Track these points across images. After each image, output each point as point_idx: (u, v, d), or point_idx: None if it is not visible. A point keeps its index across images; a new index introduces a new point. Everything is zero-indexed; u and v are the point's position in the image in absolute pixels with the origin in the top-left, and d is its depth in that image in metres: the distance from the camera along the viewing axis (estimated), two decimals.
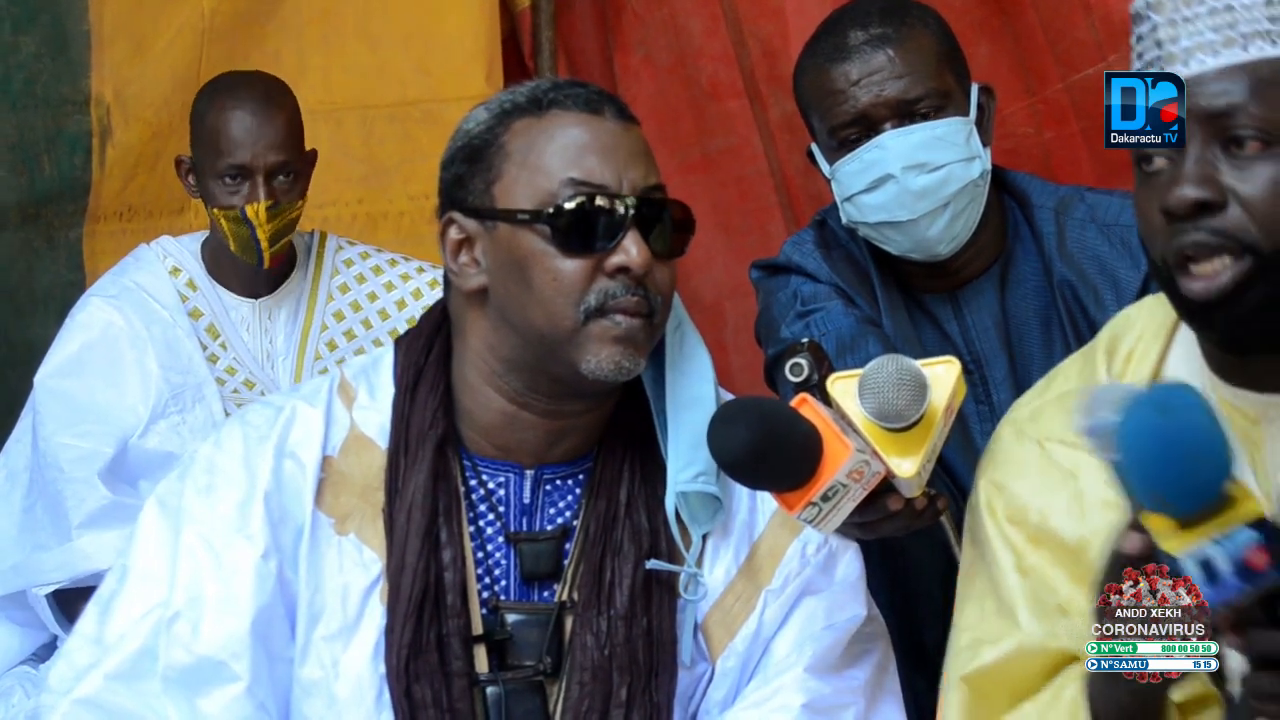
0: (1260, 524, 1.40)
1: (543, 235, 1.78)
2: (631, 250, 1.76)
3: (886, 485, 1.71)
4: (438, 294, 1.99)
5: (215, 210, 2.87)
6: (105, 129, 3.38)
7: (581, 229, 1.77)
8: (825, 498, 1.65)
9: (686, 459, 1.82)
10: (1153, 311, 1.73)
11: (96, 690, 1.79)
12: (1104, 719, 1.57)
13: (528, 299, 1.79)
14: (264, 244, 2.86)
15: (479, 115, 1.87)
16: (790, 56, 3.26)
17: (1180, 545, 1.42)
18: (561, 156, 1.79)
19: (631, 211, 1.77)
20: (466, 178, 1.84)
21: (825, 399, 1.71)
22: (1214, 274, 1.52)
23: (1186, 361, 1.67)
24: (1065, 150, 3.16)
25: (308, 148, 2.98)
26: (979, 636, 1.72)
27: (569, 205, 1.77)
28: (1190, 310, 1.56)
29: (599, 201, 1.77)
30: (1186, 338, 1.68)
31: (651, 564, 1.82)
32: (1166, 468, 1.38)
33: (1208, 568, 1.42)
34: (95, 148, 3.39)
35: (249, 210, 2.83)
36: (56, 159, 3.38)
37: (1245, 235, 1.51)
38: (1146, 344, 1.70)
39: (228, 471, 1.85)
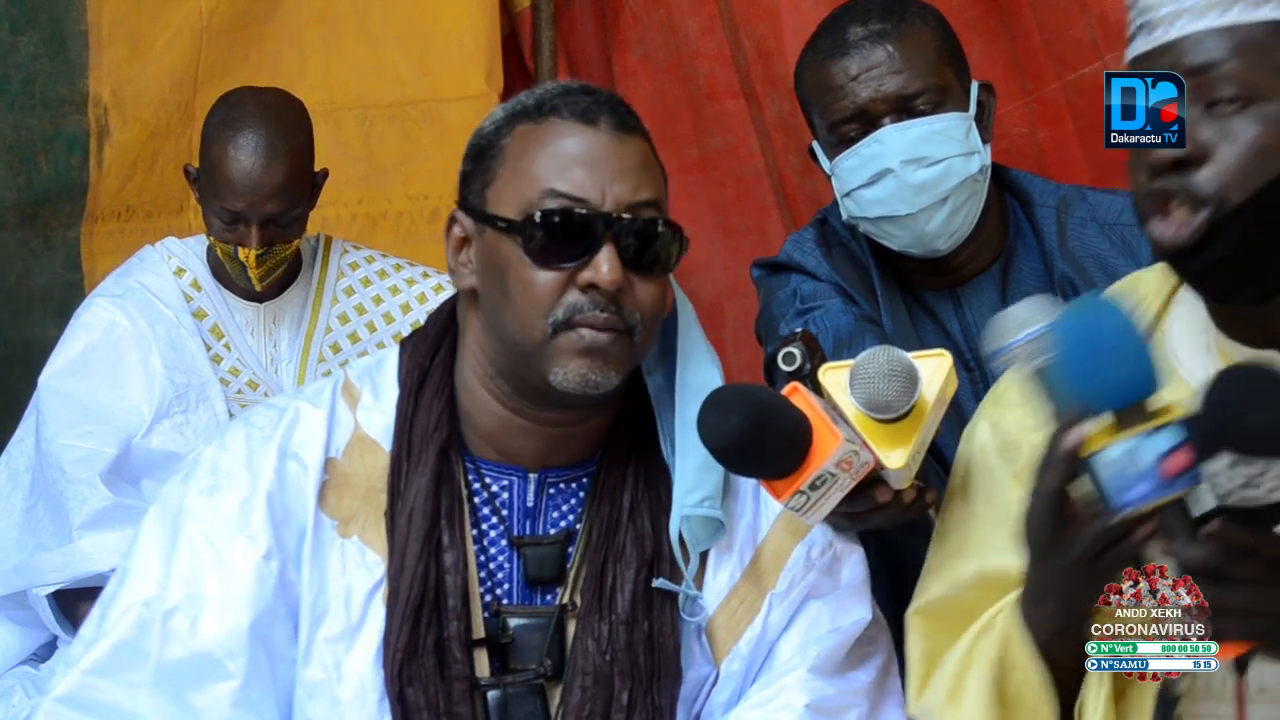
0: (1185, 423, 1.43)
1: (519, 244, 1.75)
2: (603, 267, 1.73)
3: (875, 476, 1.70)
4: (443, 299, 1.98)
5: (211, 238, 2.86)
6: (103, 129, 3.35)
7: (555, 241, 1.74)
8: (814, 486, 1.65)
9: (693, 482, 1.81)
10: (1162, 272, 1.75)
11: (74, 686, 1.77)
12: (1036, 633, 1.58)
13: (504, 306, 1.77)
14: (254, 280, 2.86)
15: (495, 115, 1.85)
16: (785, 57, 3.25)
17: (1103, 441, 1.46)
18: (548, 166, 1.76)
19: (608, 227, 1.74)
20: (470, 177, 1.83)
21: (817, 389, 1.71)
22: (1179, 224, 1.55)
23: (1189, 316, 1.69)
24: (1060, 150, 3.14)
25: (323, 168, 2.94)
26: (930, 568, 1.76)
27: (544, 217, 1.74)
28: (1163, 255, 1.60)
29: (575, 214, 1.74)
30: (1191, 294, 1.70)
31: (658, 583, 1.80)
32: (1102, 361, 1.46)
33: (1123, 469, 1.45)
34: (93, 148, 3.35)
35: (240, 252, 2.81)
36: (54, 159, 3.35)
37: (1212, 189, 1.53)
38: (1150, 300, 1.72)
39: (230, 472, 1.83)
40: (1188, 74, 1.55)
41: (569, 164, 1.76)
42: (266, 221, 2.80)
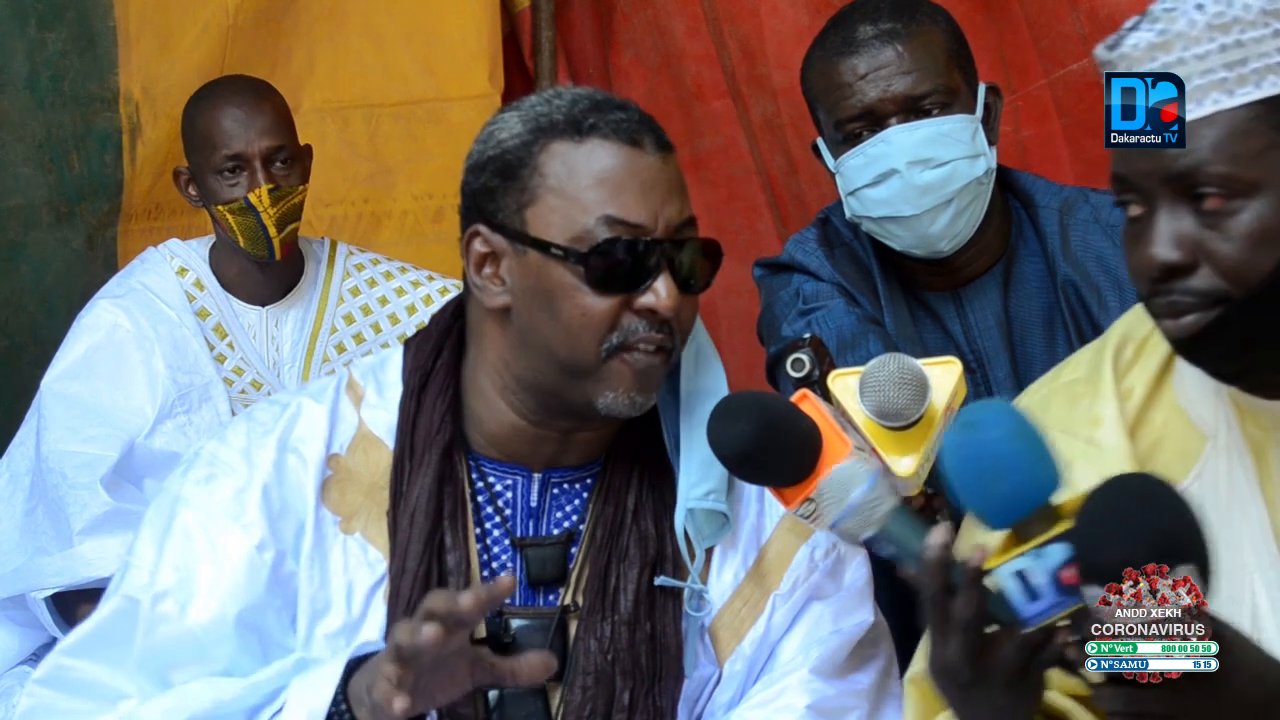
0: (1068, 539, 1.29)
1: (575, 272, 1.66)
2: (661, 292, 1.66)
3: None
4: (448, 301, 1.88)
5: (219, 207, 2.77)
6: (135, 126, 3.24)
7: (615, 270, 1.66)
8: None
9: (698, 476, 1.72)
10: None
11: (53, 668, 1.71)
12: None
13: (552, 329, 1.68)
14: (271, 231, 2.76)
15: (513, 126, 1.71)
16: (767, 57, 3.15)
17: (999, 560, 1.32)
18: (599, 191, 1.66)
19: (664, 254, 1.67)
20: (498, 193, 1.71)
21: (826, 395, 1.64)
22: (1188, 325, 1.42)
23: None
24: (1044, 148, 3.03)
25: (307, 144, 2.89)
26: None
27: (604, 246, 1.65)
28: (1174, 346, 1.47)
29: (634, 243, 1.66)
30: None
31: (660, 580, 1.72)
32: (974, 481, 1.33)
33: (1025, 583, 1.31)
34: (126, 145, 3.24)
35: (252, 198, 2.73)
36: (86, 157, 3.23)
37: (1216, 291, 1.41)
38: (1154, 346, 1.58)
39: (228, 462, 1.74)
40: (1166, 177, 1.41)
41: (620, 189, 1.67)
42: (268, 158, 2.73)
